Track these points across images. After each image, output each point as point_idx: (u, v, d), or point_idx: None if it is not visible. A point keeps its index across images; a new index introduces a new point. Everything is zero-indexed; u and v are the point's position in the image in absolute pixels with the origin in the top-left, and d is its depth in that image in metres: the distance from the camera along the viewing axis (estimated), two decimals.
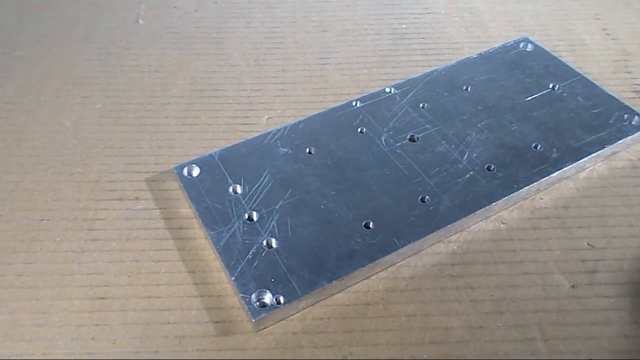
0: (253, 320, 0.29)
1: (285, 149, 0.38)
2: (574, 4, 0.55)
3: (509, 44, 0.47)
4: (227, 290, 0.32)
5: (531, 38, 0.48)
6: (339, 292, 0.32)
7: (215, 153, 0.38)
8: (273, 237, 0.33)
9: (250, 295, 0.30)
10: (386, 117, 0.41)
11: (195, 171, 0.37)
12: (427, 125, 0.40)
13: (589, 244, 0.34)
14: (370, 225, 0.34)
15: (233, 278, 0.31)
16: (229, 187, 0.36)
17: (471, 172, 0.37)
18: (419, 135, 0.39)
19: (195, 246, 0.34)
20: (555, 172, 0.37)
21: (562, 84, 0.43)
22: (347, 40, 0.50)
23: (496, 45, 0.47)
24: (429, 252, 0.34)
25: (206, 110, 0.43)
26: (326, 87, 0.45)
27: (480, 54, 0.46)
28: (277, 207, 0.35)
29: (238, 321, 0.31)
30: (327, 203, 0.35)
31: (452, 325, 0.31)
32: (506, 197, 0.35)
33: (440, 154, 0.38)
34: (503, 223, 0.36)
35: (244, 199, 0.35)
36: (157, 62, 0.48)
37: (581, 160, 0.37)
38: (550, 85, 0.43)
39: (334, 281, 0.31)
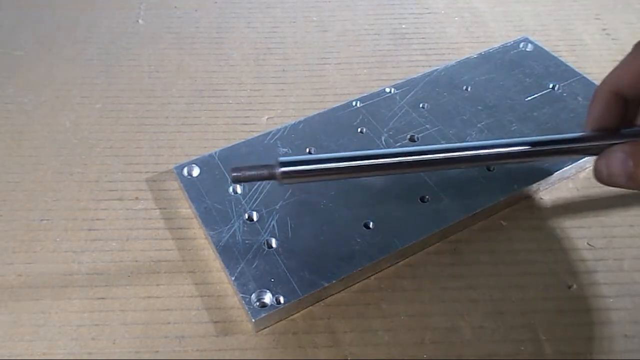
0: (253, 320, 0.29)
1: (285, 149, 0.38)
2: (574, 4, 0.55)
3: (509, 44, 0.47)
4: (227, 290, 0.32)
5: (531, 38, 0.48)
6: (339, 292, 0.32)
7: (215, 153, 0.38)
8: (273, 237, 0.33)
9: (250, 295, 0.30)
10: (386, 117, 0.41)
11: (195, 171, 0.37)
12: (427, 125, 0.40)
13: (589, 244, 0.35)
14: (370, 225, 0.34)
15: (233, 278, 0.31)
16: (229, 187, 0.36)
17: (471, 172, 0.37)
18: (419, 135, 0.39)
19: (195, 246, 0.34)
20: (555, 172, 0.37)
21: (562, 84, 0.43)
22: (347, 40, 0.50)
23: (496, 45, 0.47)
24: (429, 252, 0.34)
25: (206, 110, 0.43)
26: (326, 87, 0.45)
27: (480, 54, 0.46)
28: (277, 207, 0.35)
29: (238, 321, 0.31)
30: (327, 203, 0.35)
31: (452, 326, 0.31)
32: (506, 197, 0.35)
33: None
34: (503, 223, 0.36)
35: (244, 199, 0.35)
36: (157, 62, 0.48)
37: (581, 161, 0.38)
38: (550, 85, 0.43)
39: (334, 281, 0.31)
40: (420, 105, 0.42)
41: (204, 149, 0.40)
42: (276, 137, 0.39)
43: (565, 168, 0.37)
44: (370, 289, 0.32)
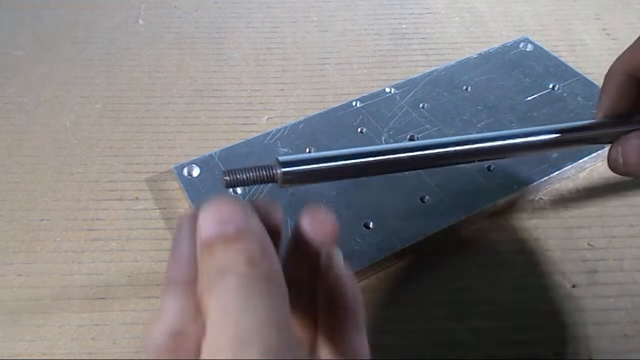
0: None
1: (285, 149, 0.38)
2: (574, 4, 0.55)
3: (509, 44, 0.47)
4: None
5: (531, 38, 0.48)
6: None
7: (215, 153, 0.38)
8: None
9: None
10: (386, 117, 0.41)
11: (195, 171, 0.37)
12: (427, 125, 0.40)
13: (589, 244, 0.34)
14: (370, 225, 0.34)
15: None
16: None
17: (471, 172, 0.37)
18: (419, 135, 0.39)
19: None
20: (555, 172, 0.37)
21: (562, 84, 0.43)
22: (347, 40, 0.50)
23: (496, 45, 0.47)
24: (429, 252, 0.34)
25: (206, 110, 0.43)
26: (326, 87, 0.45)
27: (480, 54, 0.46)
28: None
29: None
30: (327, 203, 0.35)
31: (453, 327, 0.31)
32: (506, 197, 0.35)
33: None
34: (503, 223, 0.36)
35: (244, 199, 0.35)
36: (157, 62, 0.48)
37: (581, 160, 0.37)
38: (550, 85, 0.43)
39: None
40: (420, 105, 0.42)
41: (204, 149, 0.39)
42: (276, 137, 0.39)
43: (565, 168, 0.37)
44: (371, 289, 0.32)
